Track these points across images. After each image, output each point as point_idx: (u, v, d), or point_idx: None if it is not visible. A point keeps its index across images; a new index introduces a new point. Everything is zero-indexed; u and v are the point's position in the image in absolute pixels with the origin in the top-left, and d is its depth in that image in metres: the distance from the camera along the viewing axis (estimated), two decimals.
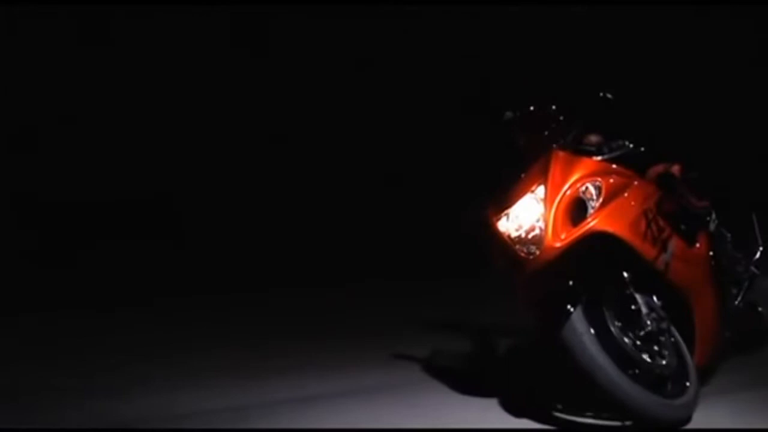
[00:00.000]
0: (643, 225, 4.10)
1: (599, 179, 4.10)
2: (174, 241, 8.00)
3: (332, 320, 6.31)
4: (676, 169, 4.64)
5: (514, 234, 4.07)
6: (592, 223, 3.99)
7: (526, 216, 4.06)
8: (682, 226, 4.40)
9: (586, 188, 4.06)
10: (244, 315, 6.50)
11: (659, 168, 4.67)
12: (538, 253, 3.98)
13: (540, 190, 4.08)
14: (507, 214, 4.12)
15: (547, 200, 4.04)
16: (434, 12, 8.52)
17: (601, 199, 4.04)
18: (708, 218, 4.74)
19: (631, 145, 4.48)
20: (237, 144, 8.56)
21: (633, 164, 4.55)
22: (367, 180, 8.51)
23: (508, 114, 4.58)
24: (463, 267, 5.93)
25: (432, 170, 8.05)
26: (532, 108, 4.50)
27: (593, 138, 4.66)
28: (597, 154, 4.38)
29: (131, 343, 5.65)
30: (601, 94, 4.29)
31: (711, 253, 4.51)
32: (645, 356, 3.94)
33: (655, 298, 4.11)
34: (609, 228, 4.00)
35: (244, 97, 8.58)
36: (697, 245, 4.43)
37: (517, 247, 4.03)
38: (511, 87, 6.80)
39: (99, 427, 4.18)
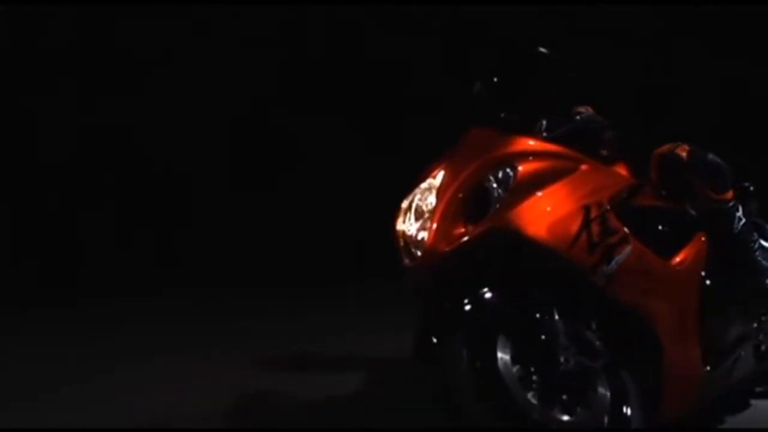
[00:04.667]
0: (575, 225, 3.03)
1: (515, 163, 3.12)
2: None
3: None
4: (682, 149, 3.50)
5: (408, 231, 3.21)
6: (492, 221, 3.04)
7: (421, 209, 3.20)
8: (662, 227, 3.28)
9: (493, 175, 3.10)
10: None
11: (663, 149, 3.56)
12: (420, 256, 3.10)
13: (440, 177, 3.19)
14: (408, 207, 3.26)
15: (441, 189, 3.14)
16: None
17: (511, 189, 3.07)
18: (735, 213, 3.55)
19: (579, 117, 3.39)
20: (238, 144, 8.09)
21: (619, 148, 3.53)
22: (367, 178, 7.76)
23: (478, 85, 3.64)
24: None
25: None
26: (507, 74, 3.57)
27: (579, 110, 3.65)
28: (545, 132, 3.36)
29: None
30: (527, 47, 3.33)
31: (703, 262, 3.32)
32: (537, 402, 2.89)
33: (594, 326, 3.03)
34: (514, 227, 3.02)
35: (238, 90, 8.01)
36: (683, 252, 3.28)
37: (411, 248, 3.18)
38: None
39: (105, 427, 3.96)
